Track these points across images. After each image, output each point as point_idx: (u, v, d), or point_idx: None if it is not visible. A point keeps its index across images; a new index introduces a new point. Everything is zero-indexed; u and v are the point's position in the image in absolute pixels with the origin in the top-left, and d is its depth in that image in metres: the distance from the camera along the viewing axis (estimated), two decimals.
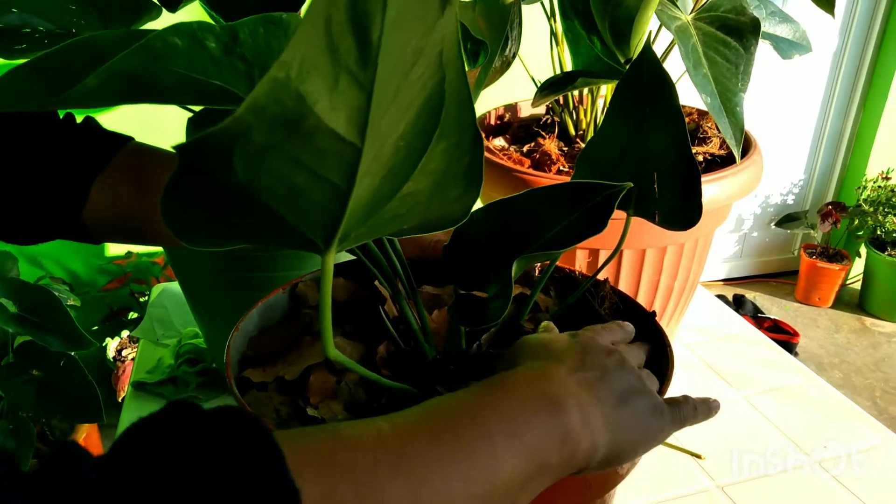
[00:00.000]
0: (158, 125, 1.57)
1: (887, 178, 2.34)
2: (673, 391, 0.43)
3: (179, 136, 1.53)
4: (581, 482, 0.38)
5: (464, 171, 0.30)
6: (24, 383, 1.01)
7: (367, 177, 0.26)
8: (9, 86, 0.35)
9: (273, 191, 0.26)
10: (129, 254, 1.67)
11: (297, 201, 0.27)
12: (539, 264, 0.58)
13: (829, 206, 2.36)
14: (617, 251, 0.49)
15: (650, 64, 0.45)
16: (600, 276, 0.53)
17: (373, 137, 0.25)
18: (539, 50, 0.92)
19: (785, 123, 2.43)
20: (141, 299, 1.68)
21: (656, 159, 0.47)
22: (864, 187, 2.36)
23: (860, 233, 2.40)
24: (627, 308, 0.51)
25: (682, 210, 0.47)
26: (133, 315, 1.70)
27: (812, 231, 2.43)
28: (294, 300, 0.54)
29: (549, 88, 0.63)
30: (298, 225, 0.28)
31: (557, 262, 0.54)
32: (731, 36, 0.56)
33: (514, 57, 0.56)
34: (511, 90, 0.99)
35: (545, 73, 0.74)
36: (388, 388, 0.43)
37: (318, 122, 0.23)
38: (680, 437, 0.73)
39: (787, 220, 2.47)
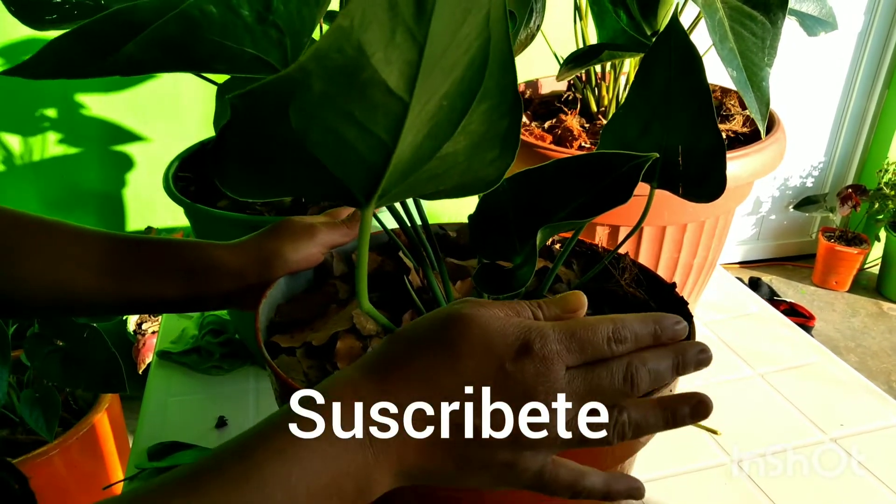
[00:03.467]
0: (176, 102, 1.58)
1: None
2: None
3: (198, 112, 1.53)
4: (603, 448, 0.39)
5: (502, 133, 0.31)
6: (49, 353, 1.04)
7: (411, 133, 0.27)
8: (54, 52, 0.36)
9: (322, 143, 0.27)
10: (149, 229, 1.70)
11: (343, 154, 0.28)
12: (559, 240, 0.58)
13: (849, 190, 2.33)
14: (640, 224, 0.50)
15: (677, 36, 0.45)
16: (621, 251, 0.53)
17: (420, 93, 0.26)
18: (562, 25, 0.91)
19: (806, 105, 2.39)
20: None
21: (681, 132, 0.47)
22: (886, 170, 2.33)
23: (880, 216, 2.37)
24: (648, 280, 0.52)
25: (706, 182, 0.47)
26: None
27: (831, 214, 2.41)
28: (320, 270, 0.55)
29: (574, 62, 0.63)
30: (342, 178, 0.29)
31: (578, 238, 0.54)
32: (757, 10, 0.55)
33: (538, 29, 0.56)
34: (532, 67, 0.99)
35: (567, 49, 0.74)
36: None
37: (373, 74, 0.24)
38: None
39: (806, 202, 2.45)
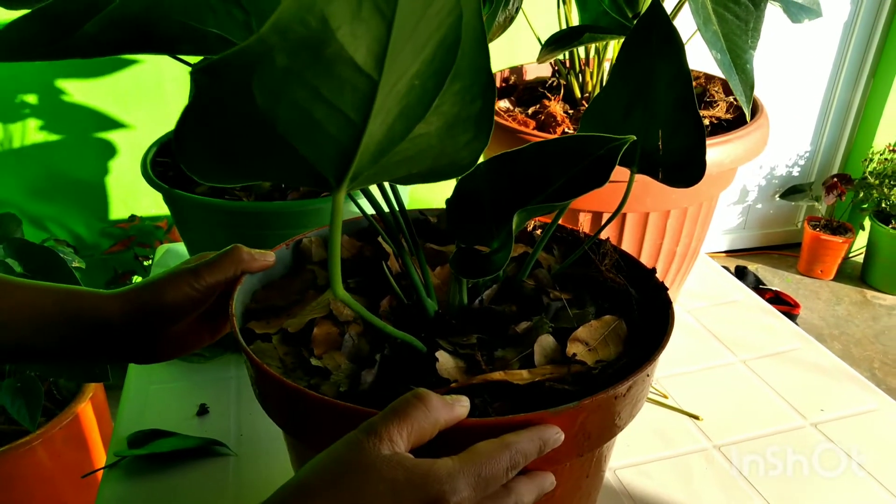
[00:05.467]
0: (159, 88, 1.56)
1: (894, 151, 2.32)
2: (672, 354, 0.44)
3: (180, 98, 1.50)
4: (580, 432, 0.39)
5: (475, 115, 0.30)
6: None
7: (382, 113, 0.27)
8: (12, 34, 0.35)
9: (289, 121, 0.26)
10: (132, 217, 1.68)
11: (312, 134, 0.27)
12: (540, 226, 0.58)
13: (835, 179, 2.34)
14: (620, 209, 0.49)
15: (659, 18, 0.45)
16: (602, 237, 0.53)
17: (390, 71, 0.25)
18: (546, 10, 0.90)
19: (792, 94, 2.40)
20: (145, 262, 1.69)
21: (662, 116, 0.47)
22: (871, 160, 2.35)
23: (865, 205, 2.39)
24: (628, 265, 0.51)
25: (686, 167, 0.46)
26: (137, 278, 1.71)
27: (816, 203, 2.42)
28: (298, 255, 0.55)
29: (554, 44, 0.63)
30: (312, 160, 0.28)
31: (559, 223, 0.54)
32: None
33: (517, 12, 0.56)
34: (517, 53, 0.98)
35: (551, 33, 0.73)
36: (392, 339, 0.43)
37: (339, 50, 0.23)
38: (678, 398, 0.74)
39: (792, 192, 2.46)
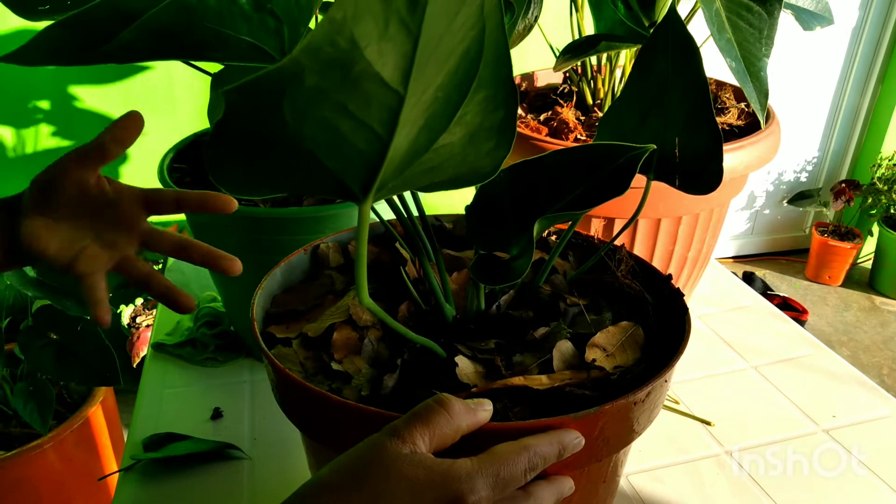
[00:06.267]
0: (170, 94, 1.57)
1: None
2: (684, 360, 0.44)
3: (191, 105, 1.51)
4: (600, 437, 0.39)
5: (498, 124, 0.31)
6: (43, 347, 1.04)
7: (407, 125, 0.27)
8: (44, 41, 0.36)
9: (317, 137, 0.27)
10: None
11: (339, 149, 0.27)
12: (555, 232, 0.58)
13: (843, 184, 2.34)
14: (636, 216, 0.50)
15: (675, 27, 0.45)
16: (616, 243, 0.53)
17: (415, 85, 0.25)
18: (558, 17, 0.91)
19: (800, 100, 2.40)
20: (155, 267, 1.70)
21: (678, 124, 0.47)
22: (879, 165, 2.34)
23: (873, 211, 2.38)
24: (644, 272, 0.52)
25: (702, 174, 0.47)
26: None
27: (824, 209, 2.41)
28: (315, 261, 0.55)
29: (571, 52, 0.63)
30: (339, 173, 0.29)
31: (574, 229, 0.54)
32: (753, 0, 0.55)
33: (535, 20, 0.56)
34: (528, 59, 0.99)
35: (563, 41, 0.73)
36: (412, 344, 0.44)
37: (366, 67, 0.24)
38: (690, 404, 0.75)
39: (800, 197, 2.46)
